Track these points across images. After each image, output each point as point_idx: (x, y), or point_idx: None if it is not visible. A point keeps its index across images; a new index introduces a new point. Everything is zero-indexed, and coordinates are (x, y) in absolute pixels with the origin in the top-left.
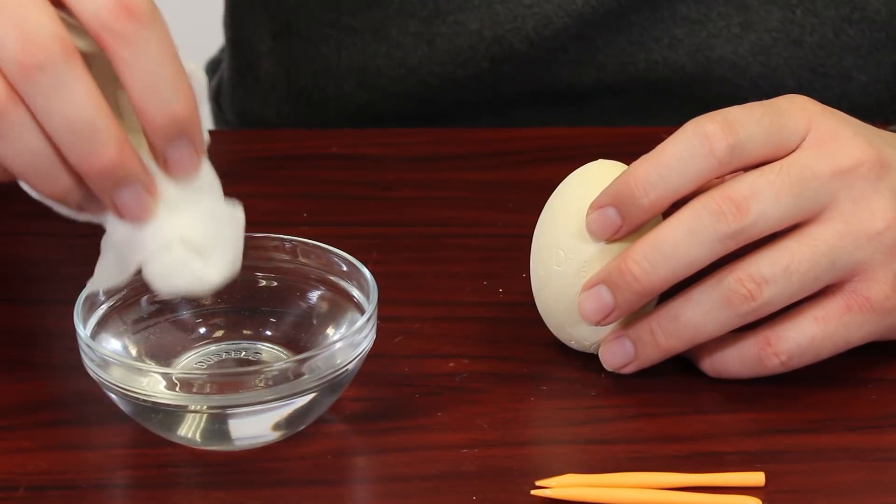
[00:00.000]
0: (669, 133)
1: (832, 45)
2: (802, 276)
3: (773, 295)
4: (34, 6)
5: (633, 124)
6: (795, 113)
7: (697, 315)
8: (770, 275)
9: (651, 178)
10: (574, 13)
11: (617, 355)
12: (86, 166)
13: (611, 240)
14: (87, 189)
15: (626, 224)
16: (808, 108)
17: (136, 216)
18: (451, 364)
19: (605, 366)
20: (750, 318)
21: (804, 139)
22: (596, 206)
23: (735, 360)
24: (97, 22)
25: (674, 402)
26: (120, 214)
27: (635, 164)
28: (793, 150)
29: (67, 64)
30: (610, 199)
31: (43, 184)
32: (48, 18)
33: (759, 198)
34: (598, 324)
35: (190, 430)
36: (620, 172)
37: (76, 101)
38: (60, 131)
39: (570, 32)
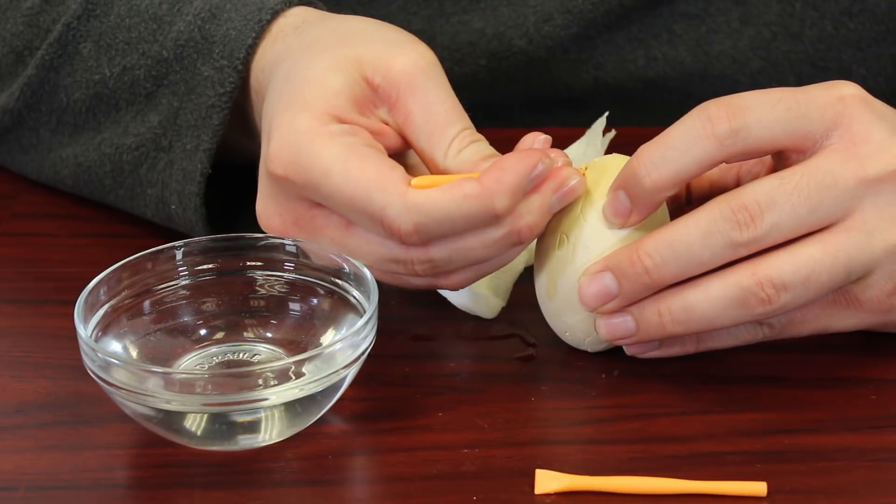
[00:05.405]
0: None
1: (832, 39)
2: (820, 286)
3: (789, 300)
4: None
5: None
6: (825, 102)
7: (713, 310)
8: (790, 283)
9: (654, 158)
10: (575, 10)
11: (618, 329)
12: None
13: (624, 225)
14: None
15: (635, 207)
16: (846, 95)
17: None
18: (451, 364)
19: (601, 336)
20: (762, 318)
21: (833, 134)
22: (610, 189)
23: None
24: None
25: (674, 402)
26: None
27: (642, 146)
28: (818, 141)
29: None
30: (619, 182)
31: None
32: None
33: (775, 208)
34: (594, 310)
35: (190, 430)
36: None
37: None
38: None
39: (570, 31)
